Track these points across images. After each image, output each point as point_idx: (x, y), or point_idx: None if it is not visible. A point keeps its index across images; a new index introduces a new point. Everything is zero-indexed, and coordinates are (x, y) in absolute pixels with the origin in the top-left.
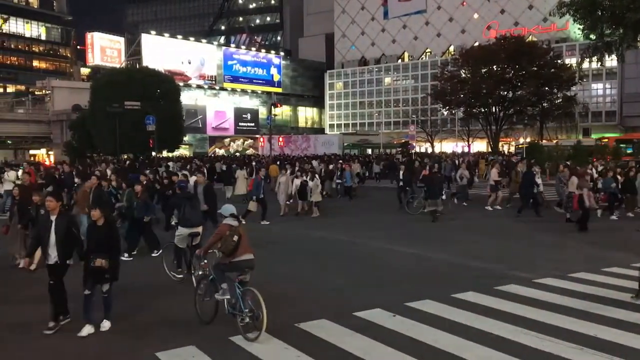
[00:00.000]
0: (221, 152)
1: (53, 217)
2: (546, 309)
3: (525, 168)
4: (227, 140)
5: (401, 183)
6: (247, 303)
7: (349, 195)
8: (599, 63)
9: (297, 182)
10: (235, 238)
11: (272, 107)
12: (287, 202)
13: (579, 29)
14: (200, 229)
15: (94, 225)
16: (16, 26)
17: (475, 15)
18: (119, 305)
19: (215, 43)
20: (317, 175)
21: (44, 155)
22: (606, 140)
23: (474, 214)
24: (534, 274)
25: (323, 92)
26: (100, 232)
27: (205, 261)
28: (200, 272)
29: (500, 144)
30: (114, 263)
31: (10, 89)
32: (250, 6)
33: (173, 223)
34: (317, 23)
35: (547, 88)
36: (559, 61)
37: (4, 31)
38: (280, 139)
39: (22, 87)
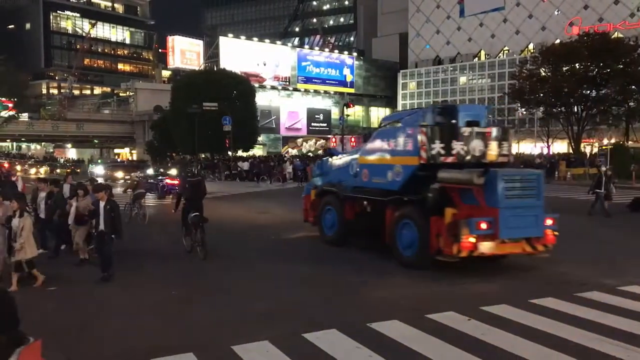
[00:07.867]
0: (294, 152)
1: None
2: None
3: None
4: (299, 140)
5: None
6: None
7: None
8: None
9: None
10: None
11: (345, 107)
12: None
13: None
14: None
15: None
16: (103, 31)
17: (557, 12)
18: (193, 298)
19: (290, 44)
20: (27, 209)
21: (126, 154)
22: None
23: None
24: None
25: (396, 92)
26: None
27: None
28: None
29: (582, 145)
30: None
31: (97, 90)
32: (325, 7)
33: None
34: (391, 23)
35: (634, 87)
36: None
37: (92, 36)
38: (352, 139)
39: (108, 89)
